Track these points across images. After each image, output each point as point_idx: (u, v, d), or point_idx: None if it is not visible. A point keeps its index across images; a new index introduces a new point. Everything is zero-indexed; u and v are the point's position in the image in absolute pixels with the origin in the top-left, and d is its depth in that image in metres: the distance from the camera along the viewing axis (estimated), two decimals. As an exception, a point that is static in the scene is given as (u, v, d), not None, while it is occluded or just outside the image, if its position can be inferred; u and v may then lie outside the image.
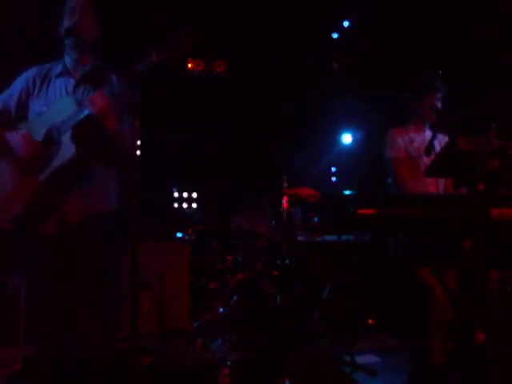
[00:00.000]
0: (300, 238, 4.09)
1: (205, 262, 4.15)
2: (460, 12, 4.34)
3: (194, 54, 5.75)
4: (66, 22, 2.25)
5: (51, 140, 2.16)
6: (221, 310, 3.32)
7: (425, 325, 2.61)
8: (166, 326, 3.77)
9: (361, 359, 3.52)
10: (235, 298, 3.27)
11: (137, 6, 4.46)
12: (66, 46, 2.31)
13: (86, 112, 2.09)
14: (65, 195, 2.17)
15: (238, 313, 3.20)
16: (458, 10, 4.33)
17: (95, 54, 2.38)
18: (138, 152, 2.07)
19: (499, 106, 3.61)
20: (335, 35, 5.88)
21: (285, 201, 3.50)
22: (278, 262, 3.55)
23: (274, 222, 4.02)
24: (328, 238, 4.21)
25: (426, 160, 2.64)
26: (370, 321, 4.62)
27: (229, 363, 2.86)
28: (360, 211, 1.83)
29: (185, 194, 5.59)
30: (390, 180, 2.99)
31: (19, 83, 2.34)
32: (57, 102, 2.22)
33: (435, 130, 2.71)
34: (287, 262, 3.50)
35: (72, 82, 2.31)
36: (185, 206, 5.16)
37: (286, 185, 3.52)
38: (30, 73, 2.35)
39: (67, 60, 2.34)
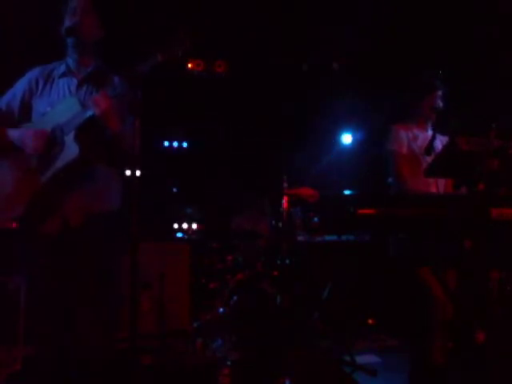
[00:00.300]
0: (300, 238, 4.09)
1: (205, 262, 4.16)
2: (460, 12, 4.34)
3: (193, 54, 5.76)
4: (67, 22, 2.25)
5: (54, 140, 2.16)
6: (221, 310, 3.32)
7: (425, 325, 2.61)
8: (166, 325, 3.77)
9: (361, 359, 3.52)
10: (235, 298, 3.27)
11: (137, 6, 4.46)
12: (68, 46, 2.32)
13: (90, 113, 2.09)
14: (67, 195, 2.17)
15: (238, 313, 3.20)
16: (457, 10, 4.33)
17: (97, 54, 2.37)
18: (138, 152, 2.07)
19: (499, 106, 3.61)
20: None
21: (285, 201, 3.50)
22: (278, 262, 3.55)
23: (273, 222, 4.02)
24: (328, 237, 4.21)
25: (429, 158, 2.63)
26: (370, 321, 4.62)
27: (229, 363, 2.86)
28: (360, 211, 1.83)
29: (184, 194, 5.60)
30: (390, 180, 2.99)
31: (22, 84, 2.34)
32: (60, 103, 2.22)
33: (435, 131, 2.70)
34: (287, 261, 3.51)
35: (75, 81, 2.31)
36: (185, 206, 5.16)
37: (286, 185, 3.52)
38: (33, 73, 2.35)
39: (69, 60, 2.34)
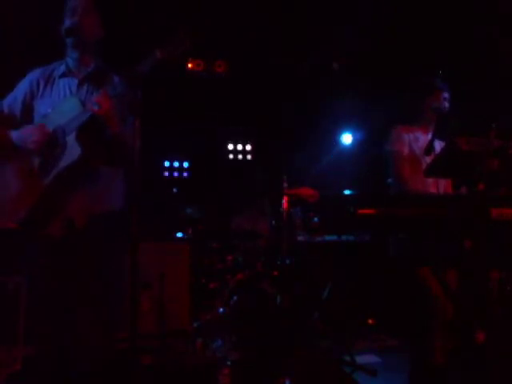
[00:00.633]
0: (300, 238, 4.09)
1: (205, 262, 4.15)
2: (460, 12, 4.34)
3: (194, 54, 5.75)
4: (67, 22, 2.25)
5: (56, 141, 2.16)
6: (221, 310, 3.33)
7: (425, 325, 2.61)
8: (166, 325, 3.77)
9: (361, 359, 3.53)
10: (235, 298, 3.27)
11: (137, 6, 4.46)
12: (68, 45, 2.31)
13: (91, 113, 2.08)
14: (70, 196, 2.17)
15: (238, 313, 3.20)
16: (457, 10, 4.33)
17: (97, 53, 2.37)
18: (138, 152, 2.07)
19: (499, 106, 3.61)
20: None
21: (285, 201, 3.50)
22: (278, 262, 3.55)
23: (273, 222, 4.02)
24: (328, 237, 4.21)
25: (428, 159, 2.63)
26: (370, 321, 4.62)
27: (229, 363, 2.86)
28: (360, 211, 1.83)
29: (184, 193, 5.60)
30: (390, 180, 2.98)
31: (23, 86, 2.34)
32: (62, 103, 2.22)
33: (436, 134, 2.70)
34: (287, 261, 3.51)
35: (75, 81, 2.30)
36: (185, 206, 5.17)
37: (286, 185, 3.52)
38: (34, 75, 2.35)
39: (69, 59, 2.34)
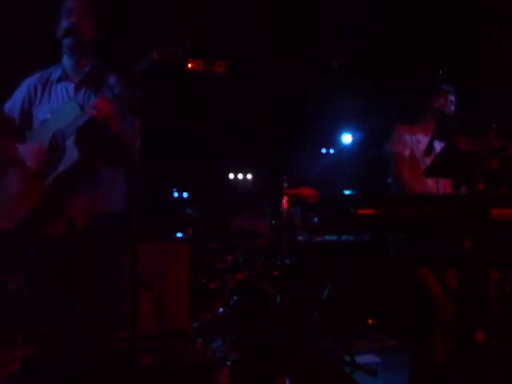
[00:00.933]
0: (300, 238, 4.09)
1: (205, 262, 4.15)
2: (460, 12, 4.34)
3: (194, 54, 5.75)
4: (64, 23, 2.24)
5: (56, 145, 2.16)
6: (221, 310, 3.33)
7: (425, 325, 2.61)
8: (166, 325, 3.77)
9: (361, 359, 3.53)
10: (235, 298, 3.27)
11: (137, 6, 4.46)
12: (64, 47, 2.29)
13: (90, 116, 2.08)
14: (71, 198, 2.17)
15: (238, 313, 3.20)
16: (458, 9, 4.33)
17: (94, 54, 2.37)
18: (138, 152, 2.07)
19: (499, 106, 3.61)
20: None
21: (285, 201, 3.50)
22: (278, 262, 3.55)
23: (273, 222, 4.02)
24: (328, 237, 4.21)
25: (428, 160, 2.63)
26: (370, 321, 4.62)
27: (229, 363, 2.86)
28: (360, 211, 1.83)
29: (185, 194, 5.60)
30: (390, 180, 2.98)
31: (21, 92, 2.34)
32: (60, 108, 2.22)
33: (435, 133, 2.69)
34: (287, 261, 3.51)
35: (72, 86, 2.30)
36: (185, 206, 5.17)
37: (286, 185, 3.52)
38: (31, 80, 2.35)
39: (66, 62, 2.33)
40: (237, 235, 4.11)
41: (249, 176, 6.41)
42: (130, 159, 1.98)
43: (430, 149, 2.52)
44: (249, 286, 3.38)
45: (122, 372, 2.00)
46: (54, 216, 2.16)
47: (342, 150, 6.44)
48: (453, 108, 2.87)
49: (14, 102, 2.34)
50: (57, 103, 2.27)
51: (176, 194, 5.74)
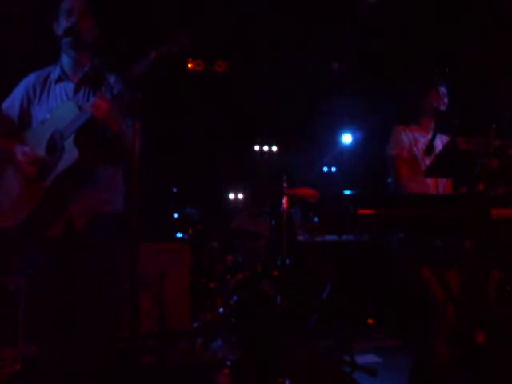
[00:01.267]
0: (300, 238, 4.09)
1: (205, 262, 4.15)
2: (460, 12, 4.34)
3: (193, 54, 5.76)
4: (64, 23, 2.23)
5: (55, 146, 2.16)
6: (221, 309, 3.33)
7: (425, 325, 2.61)
8: (166, 325, 3.77)
9: (361, 359, 3.53)
10: (235, 298, 3.27)
11: (136, 6, 4.46)
12: (64, 46, 2.28)
13: (89, 115, 2.08)
14: (70, 198, 2.17)
15: (238, 313, 3.21)
16: (458, 9, 4.33)
17: (93, 53, 2.36)
18: (138, 152, 2.08)
19: (499, 106, 3.61)
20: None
21: (285, 201, 3.50)
22: (278, 262, 3.55)
23: (273, 222, 4.02)
24: (328, 237, 4.21)
25: (428, 160, 2.63)
26: (369, 321, 4.62)
27: (229, 363, 2.86)
28: (360, 211, 1.83)
29: (185, 194, 5.60)
30: (390, 180, 2.98)
31: (19, 92, 2.33)
32: (58, 108, 2.22)
33: (435, 130, 2.69)
34: (287, 261, 3.51)
35: (71, 86, 2.29)
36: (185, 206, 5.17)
37: (285, 185, 3.53)
38: (29, 80, 2.34)
39: (65, 61, 2.32)
40: (237, 235, 4.11)
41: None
42: (129, 159, 1.98)
43: (430, 148, 2.52)
44: (249, 286, 3.38)
45: (122, 372, 2.00)
46: (54, 216, 2.16)
47: (342, 150, 6.44)
48: (446, 100, 2.85)
49: (12, 102, 2.33)
50: (56, 103, 2.26)
51: (176, 194, 5.75)
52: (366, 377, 3.17)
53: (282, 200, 3.51)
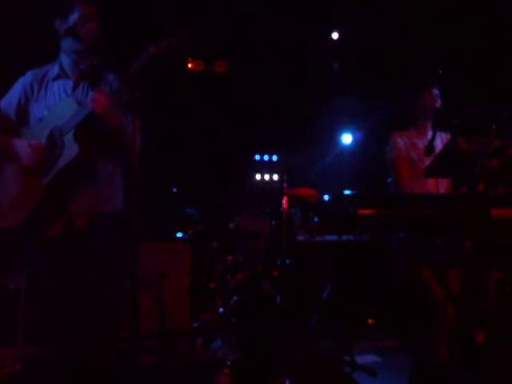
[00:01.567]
0: (300, 238, 4.09)
1: (205, 262, 4.15)
2: (460, 11, 4.34)
3: (193, 54, 5.75)
4: (66, 23, 2.23)
5: (54, 143, 2.15)
6: (221, 309, 3.33)
7: (425, 325, 2.61)
8: (166, 325, 3.77)
9: (361, 359, 3.52)
10: (235, 298, 3.27)
11: (135, 5, 4.46)
12: (65, 45, 2.28)
13: (88, 110, 2.08)
14: (70, 196, 2.17)
15: (238, 313, 3.20)
16: (457, 9, 4.33)
17: (94, 52, 2.36)
18: (138, 151, 2.08)
19: (499, 106, 3.61)
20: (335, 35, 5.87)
21: (285, 201, 3.50)
22: (278, 262, 3.55)
23: (273, 222, 4.02)
24: (328, 237, 4.21)
25: (428, 160, 2.62)
26: (369, 321, 4.62)
27: (229, 363, 2.86)
28: (360, 211, 1.83)
29: (185, 194, 5.60)
30: (390, 180, 2.98)
31: (16, 89, 2.33)
32: (57, 105, 2.22)
33: (435, 130, 2.69)
34: (287, 261, 3.51)
35: (70, 83, 2.29)
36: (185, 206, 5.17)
37: (285, 185, 3.53)
38: (27, 78, 2.34)
39: (64, 59, 2.32)
40: (237, 235, 4.11)
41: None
42: (129, 154, 1.98)
43: (430, 148, 2.52)
44: (249, 286, 3.38)
45: (122, 372, 2.00)
46: (54, 216, 2.16)
47: (342, 149, 6.43)
48: (439, 101, 2.85)
49: (10, 100, 2.32)
50: (54, 100, 2.26)
51: (176, 194, 5.74)
52: (366, 377, 3.17)
53: (282, 200, 3.51)
